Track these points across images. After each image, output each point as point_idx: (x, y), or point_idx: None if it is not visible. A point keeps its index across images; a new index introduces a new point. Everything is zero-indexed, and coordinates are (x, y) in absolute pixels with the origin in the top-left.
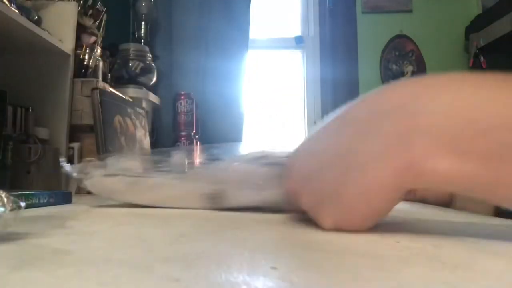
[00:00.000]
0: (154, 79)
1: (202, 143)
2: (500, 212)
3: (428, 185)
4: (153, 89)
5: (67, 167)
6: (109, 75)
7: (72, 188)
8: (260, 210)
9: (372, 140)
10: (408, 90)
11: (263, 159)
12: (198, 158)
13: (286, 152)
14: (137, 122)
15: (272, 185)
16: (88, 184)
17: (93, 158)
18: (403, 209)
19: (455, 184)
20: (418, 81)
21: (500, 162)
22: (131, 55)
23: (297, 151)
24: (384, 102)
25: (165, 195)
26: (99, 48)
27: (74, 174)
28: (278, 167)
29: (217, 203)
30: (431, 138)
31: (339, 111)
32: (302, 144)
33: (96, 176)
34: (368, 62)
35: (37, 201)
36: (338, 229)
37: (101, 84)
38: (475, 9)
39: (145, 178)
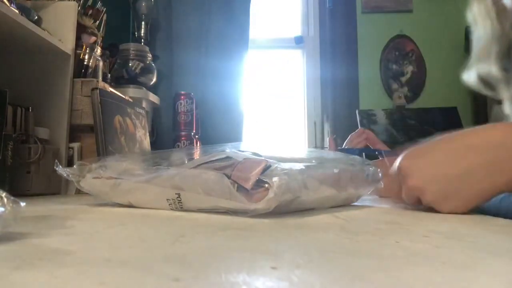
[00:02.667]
0: (154, 79)
1: (202, 143)
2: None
3: None
4: (153, 89)
5: (60, 170)
6: (109, 75)
7: (72, 188)
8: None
9: (485, 166)
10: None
11: (219, 162)
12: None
13: (248, 154)
14: (137, 122)
15: (222, 190)
16: (81, 185)
17: (85, 162)
18: (403, 210)
19: None
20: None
21: None
22: (131, 55)
23: (417, 156)
24: (489, 139)
25: (139, 197)
26: (99, 48)
27: (68, 176)
28: (226, 170)
29: (179, 207)
30: None
31: (455, 136)
32: (421, 151)
33: (87, 178)
34: (368, 62)
35: None
36: (452, 212)
37: (101, 84)
38: None
39: (124, 181)
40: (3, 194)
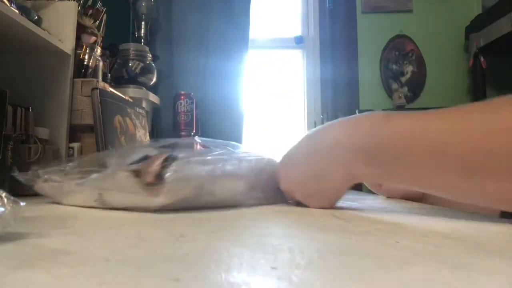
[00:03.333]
0: (154, 79)
1: None
2: (502, 213)
3: (361, 181)
4: (153, 89)
5: (17, 175)
6: (109, 75)
7: None
8: (259, 210)
9: (330, 163)
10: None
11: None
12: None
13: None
14: (137, 122)
15: (132, 187)
16: (35, 189)
17: (39, 167)
18: (403, 210)
19: (374, 180)
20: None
21: (386, 165)
22: (131, 55)
23: (287, 162)
24: (328, 139)
25: (77, 198)
26: (99, 48)
27: (23, 181)
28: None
29: (104, 206)
30: (356, 157)
31: (311, 139)
32: (289, 156)
33: (39, 182)
34: (368, 62)
35: None
36: (320, 208)
37: (101, 84)
38: (475, 9)
39: (65, 184)
40: (3, 194)
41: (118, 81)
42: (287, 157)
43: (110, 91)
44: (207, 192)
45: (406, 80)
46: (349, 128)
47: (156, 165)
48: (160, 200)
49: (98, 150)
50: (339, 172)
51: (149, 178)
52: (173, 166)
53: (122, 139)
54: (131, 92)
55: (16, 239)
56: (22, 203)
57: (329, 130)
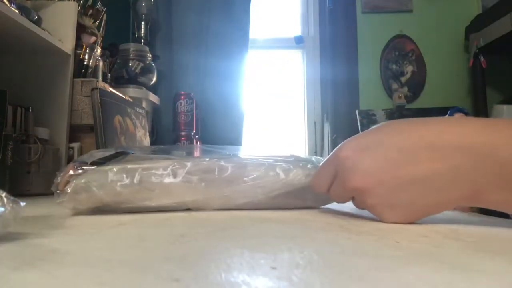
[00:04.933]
0: (154, 79)
1: (202, 143)
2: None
3: (485, 207)
4: (153, 89)
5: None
6: (109, 75)
7: None
8: (258, 210)
9: (449, 172)
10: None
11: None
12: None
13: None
14: (137, 122)
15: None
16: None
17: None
18: None
19: (505, 209)
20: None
21: None
22: (131, 55)
23: (359, 152)
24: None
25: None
26: (99, 48)
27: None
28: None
29: None
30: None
31: (413, 131)
32: (364, 147)
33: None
34: (368, 62)
35: None
36: (395, 222)
37: (101, 84)
38: (475, 9)
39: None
40: (3, 194)
41: (118, 81)
42: (362, 142)
43: (110, 91)
44: (146, 188)
45: (406, 80)
46: (484, 131)
47: (66, 174)
48: (66, 205)
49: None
50: (453, 189)
51: (60, 187)
52: (81, 175)
53: (122, 139)
54: (131, 92)
55: (16, 239)
56: (22, 203)
57: (456, 126)
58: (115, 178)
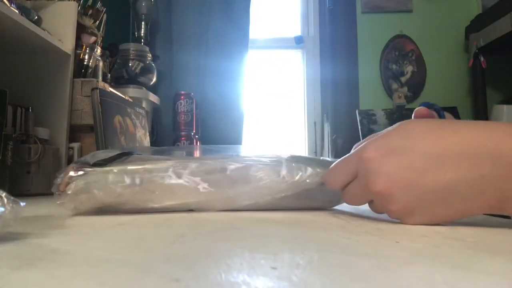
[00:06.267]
0: (154, 79)
1: (202, 143)
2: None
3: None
4: (153, 89)
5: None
6: (109, 75)
7: None
8: (258, 210)
9: (475, 181)
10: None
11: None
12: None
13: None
14: (137, 122)
15: None
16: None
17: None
18: None
19: None
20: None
21: None
22: (131, 55)
23: (384, 155)
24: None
25: None
26: (99, 48)
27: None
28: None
29: None
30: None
31: (439, 137)
32: (389, 150)
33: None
34: (368, 62)
35: None
36: (417, 224)
37: (101, 84)
38: (475, 9)
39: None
40: (3, 194)
41: (118, 81)
42: (387, 144)
43: (110, 91)
44: (147, 189)
45: (406, 80)
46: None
47: (66, 175)
48: (67, 206)
49: (98, 150)
50: (479, 197)
51: (61, 187)
52: (81, 176)
53: (122, 139)
54: (131, 92)
55: (16, 239)
56: (22, 203)
57: (484, 131)
58: (116, 180)
